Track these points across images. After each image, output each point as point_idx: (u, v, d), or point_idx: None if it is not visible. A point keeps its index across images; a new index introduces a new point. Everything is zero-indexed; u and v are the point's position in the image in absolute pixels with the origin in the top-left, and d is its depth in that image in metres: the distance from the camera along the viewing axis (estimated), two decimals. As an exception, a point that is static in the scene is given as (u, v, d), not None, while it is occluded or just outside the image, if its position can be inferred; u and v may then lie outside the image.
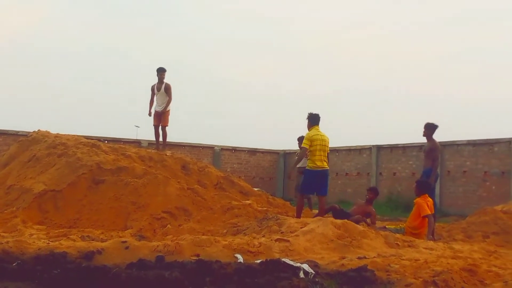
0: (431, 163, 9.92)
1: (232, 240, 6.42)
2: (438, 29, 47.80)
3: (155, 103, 12.59)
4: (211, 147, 23.43)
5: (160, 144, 12.85)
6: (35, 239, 6.78)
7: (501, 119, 35.72)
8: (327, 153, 9.56)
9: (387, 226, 10.76)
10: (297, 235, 6.78)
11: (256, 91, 52.88)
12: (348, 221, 7.56)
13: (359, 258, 6.03)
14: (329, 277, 5.08)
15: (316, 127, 9.51)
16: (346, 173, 21.72)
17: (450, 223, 11.67)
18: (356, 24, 51.87)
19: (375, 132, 40.62)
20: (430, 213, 8.89)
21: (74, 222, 8.84)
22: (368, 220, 9.69)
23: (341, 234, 6.93)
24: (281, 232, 7.18)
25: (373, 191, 10.39)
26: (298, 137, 12.51)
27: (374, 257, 6.13)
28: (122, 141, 19.61)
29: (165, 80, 12.54)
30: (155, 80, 12.60)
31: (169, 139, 13.44)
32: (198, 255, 5.67)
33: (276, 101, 51.12)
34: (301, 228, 7.14)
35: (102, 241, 6.63)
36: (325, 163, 9.41)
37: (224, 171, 15.27)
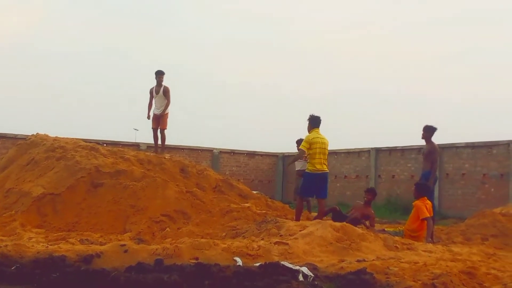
0: (430, 166, 9.92)
1: (231, 243, 6.41)
2: (438, 29, 47.93)
3: (153, 106, 12.59)
4: (210, 150, 23.43)
5: (159, 147, 12.85)
6: (34, 243, 6.77)
7: (500, 120, 35.83)
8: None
9: (386, 229, 10.75)
10: (296, 238, 6.77)
11: (255, 91, 52.95)
12: (347, 224, 7.56)
13: (358, 261, 6.02)
14: (328, 280, 5.08)
15: (317, 130, 9.49)
16: (345, 176, 21.73)
17: (449, 226, 11.67)
18: (356, 24, 52.01)
19: (373, 133, 40.70)
20: (429, 215, 8.89)
21: (73, 226, 8.83)
22: (367, 223, 9.68)
23: (340, 237, 6.93)
24: (280, 235, 7.18)
25: (371, 192, 10.37)
26: (296, 140, 12.51)
27: (373, 260, 6.12)
28: (121, 144, 19.61)
29: (164, 83, 12.54)
30: (154, 82, 12.61)
31: (167, 142, 13.43)
32: (197, 258, 5.67)
33: (276, 102, 51.22)
34: (300, 231, 7.13)
35: (101, 244, 6.62)
36: (324, 166, 9.41)
37: (223, 174, 15.27)
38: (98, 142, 14.62)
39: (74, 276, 4.88)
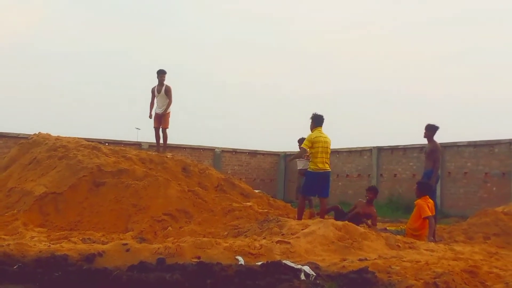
0: (432, 165, 9.90)
1: (233, 242, 6.42)
2: (438, 29, 47.89)
3: (155, 105, 12.60)
4: (211, 149, 23.43)
5: (161, 146, 12.85)
6: (36, 242, 6.79)
7: (501, 119, 35.80)
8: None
9: (388, 228, 10.75)
10: (298, 237, 6.77)
11: (256, 91, 52.96)
12: (349, 223, 7.56)
13: (360, 260, 6.02)
14: (330, 279, 5.08)
15: (319, 129, 9.47)
16: (347, 175, 21.71)
17: (451, 225, 11.66)
18: (356, 24, 52.00)
19: (374, 133, 40.73)
20: (431, 214, 8.88)
21: (75, 225, 8.85)
22: (369, 222, 9.69)
23: (342, 236, 6.93)
24: (282, 234, 7.18)
25: (373, 191, 10.35)
26: (298, 139, 12.51)
27: (375, 258, 6.13)
28: (123, 143, 19.60)
29: (165, 82, 12.55)
30: (155, 81, 12.62)
31: (169, 141, 13.44)
32: (199, 257, 5.68)
33: (276, 101, 51.25)
34: (302, 230, 7.14)
35: (103, 243, 6.63)
36: (327, 165, 9.40)
37: (224, 173, 15.27)
38: (100, 142, 14.62)
39: (76, 275, 4.89)
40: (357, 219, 9.39)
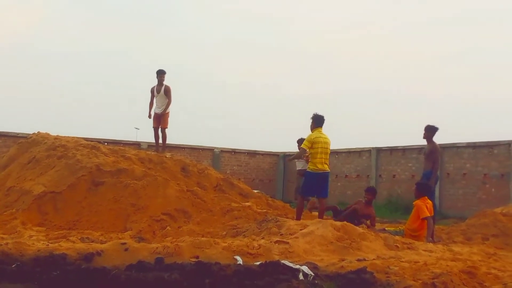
0: (431, 166, 9.91)
1: (232, 242, 6.42)
2: (438, 29, 47.92)
3: (154, 105, 12.61)
4: (210, 149, 23.43)
5: (160, 146, 12.86)
6: (35, 241, 6.78)
7: (501, 120, 35.83)
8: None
9: (386, 228, 10.76)
10: (296, 237, 6.77)
11: (256, 91, 52.99)
12: (348, 223, 7.56)
13: (358, 260, 6.02)
14: (328, 279, 5.08)
15: (319, 129, 9.45)
16: (346, 175, 21.73)
17: (449, 226, 11.66)
18: (356, 24, 52.03)
19: (374, 133, 40.76)
20: (429, 215, 8.88)
21: (74, 224, 8.84)
22: (368, 222, 9.69)
23: (341, 236, 6.93)
24: (281, 234, 7.18)
25: (371, 192, 10.36)
26: (297, 139, 12.52)
27: (374, 259, 6.13)
28: (122, 143, 19.60)
29: (165, 82, 12.56)
30: (154, 81, 12.62)
31: (168, 141, 13.45)
32: (197, 257, 5.68)
33: (276, 101, 51.28)
34: (301, 230, 7.13)
35: (102, 242, 6.63)
36: (326, 166, 9.39)
37: (223, 173, 15.26)
38: (99, 141, 14.63)
39: (74, 274, 4.88)
40: (354, 216, 9.39)
